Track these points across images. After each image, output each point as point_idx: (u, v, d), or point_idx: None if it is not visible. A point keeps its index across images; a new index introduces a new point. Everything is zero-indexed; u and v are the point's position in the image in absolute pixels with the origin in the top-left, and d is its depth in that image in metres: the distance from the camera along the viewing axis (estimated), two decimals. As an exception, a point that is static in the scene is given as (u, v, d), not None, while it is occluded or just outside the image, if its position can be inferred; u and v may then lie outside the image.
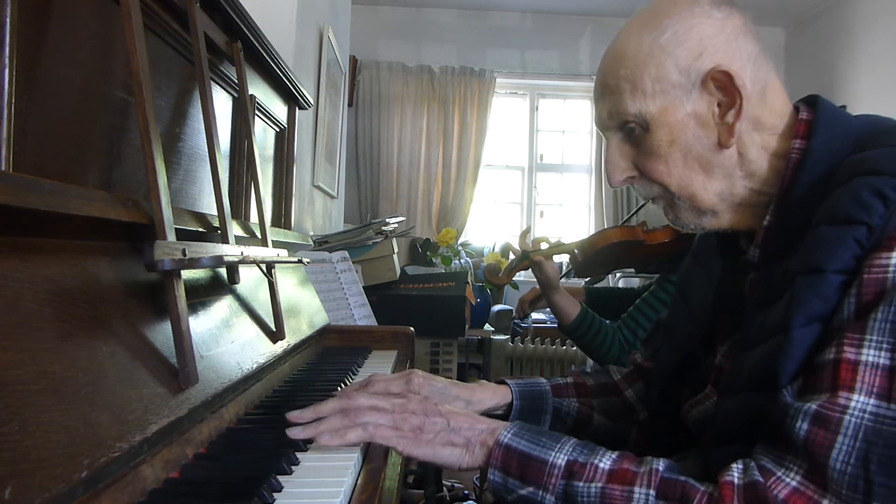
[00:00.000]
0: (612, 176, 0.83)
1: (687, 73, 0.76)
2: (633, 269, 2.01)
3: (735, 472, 0.65)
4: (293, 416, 0.78)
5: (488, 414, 1.02)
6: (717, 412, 0.77)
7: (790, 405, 0.64)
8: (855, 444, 0.61)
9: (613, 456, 0.72)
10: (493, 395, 1.02)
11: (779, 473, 0.63)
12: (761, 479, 0.63)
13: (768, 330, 0.70)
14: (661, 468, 0.69)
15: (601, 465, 0.71)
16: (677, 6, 0.78)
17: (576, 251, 1.81)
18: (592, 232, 2.18)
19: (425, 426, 0.76)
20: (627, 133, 0.81)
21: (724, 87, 0.76)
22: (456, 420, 0.77)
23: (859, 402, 0.62)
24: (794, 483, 0.62)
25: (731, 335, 0.87)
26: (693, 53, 0.76)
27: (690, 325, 0.94)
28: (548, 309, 1.87)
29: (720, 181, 0.78)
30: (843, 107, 0.80)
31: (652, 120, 0.77)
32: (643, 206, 2.03)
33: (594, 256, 1.78)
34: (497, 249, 4.36)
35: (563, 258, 2.06)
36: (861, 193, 0.66)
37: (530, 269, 1.83)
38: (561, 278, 1.87)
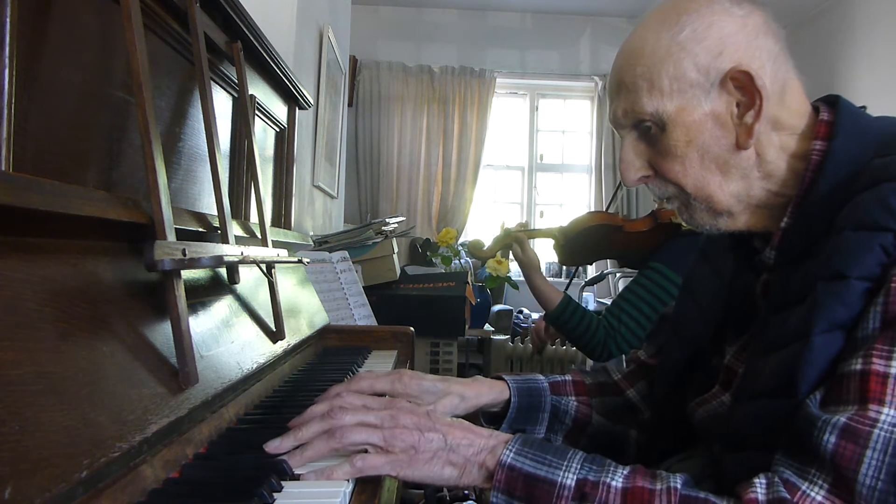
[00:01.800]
0: (627, 175, 0.81)
1: (706, 73, 0.74)
2: (616, 261, 2.05)
3: (759, 489, 0.63)
4: (271, 447, 0.71)
5: (485, 410, 1.00)
6: (731, 417, 0.75)
7: (817, 417, 0.62)
8: (885, 459, 0.59)
9: (625, 472, 0.68)
10: (490, 390, 0.99)
11: (803, 487, 0.61)
12: (788, 496, 0.61)
13: (787, 335, 0.68)
14: (678, 485, 0.65)
15: (614, 483, 0.66)
16: (697, 2, 0.76)
17: (557, 234, 1.85)
18: None
19: (420, 444, 0.70)
20: (643, 132, 0.79)
21: (743, 87, 0.74)
22: (453, 436, 0.71)
23: (889, 416, 0.60)
24: (819, 497, 0.60)
25: (740, 335, 0.85)
26: (712, 52, 0.74)
27: (699, 322, 0.93)
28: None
29: (737, 182, 0.77)
30: (864, 107, 0.79)
31: (669, 119, 0.76)
32: (618, 189, 2.06)
33: (575, 239, 1.82)
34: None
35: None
36: (889, 199, 0.64)
37: (512, 252, 1.88)
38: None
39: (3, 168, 0.57)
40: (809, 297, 0.67)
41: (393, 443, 0.70)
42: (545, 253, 4.56)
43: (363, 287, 2.03)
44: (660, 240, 1.75)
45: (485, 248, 1.97)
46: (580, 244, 1.84)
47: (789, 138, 0.76)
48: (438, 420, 0.73)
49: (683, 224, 1.70)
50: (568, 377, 1.08)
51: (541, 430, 1.02)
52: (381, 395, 0.90)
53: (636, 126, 0.79)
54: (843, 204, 0.69)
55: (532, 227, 1.92)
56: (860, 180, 0.69)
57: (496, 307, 3.73)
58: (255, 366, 0.93)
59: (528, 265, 1.84)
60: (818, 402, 0.64)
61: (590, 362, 3.26)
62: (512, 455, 0.69)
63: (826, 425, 0.61)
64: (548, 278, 1.87)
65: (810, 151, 0.75)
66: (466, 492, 2.53)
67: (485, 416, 1.03)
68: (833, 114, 0.76)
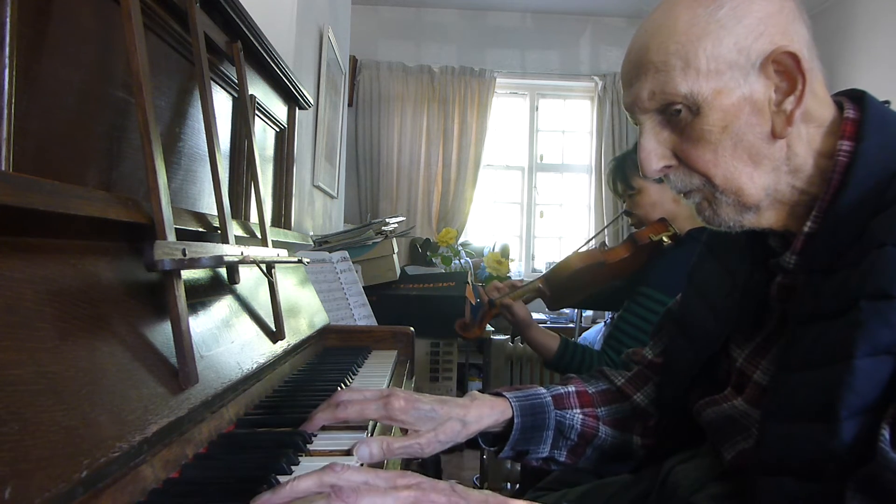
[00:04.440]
0: (648, 164, 0.75)
1: (746, 53, 0.69)
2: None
3: None
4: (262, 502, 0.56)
5: (487, 432, 0.93)
6: (762, 437, 0.71)
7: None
8: None
9: None
10: (491, 410, 0.91)
11: None
12: None
13: (823, 352, 0.65)
14: None
15: None
16: None
17: (542, 287, 1.80)
18: (591, 233, 2.18)
19: None
20: (668, 116, 0.74)
21: (784, 72, 0.70)
22: None
23: None
24: None
25: (750, 336, 0.82)
26: (754, 32, 0.69)
27: (713, 322, 0.88)
28: (549, 313, 1.87)
29: (767, 175, 0.72)
30: (887, 102, 0.75)
31: (704, 102, 0.70)
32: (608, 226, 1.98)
33: (561, 287, 1.78)
34: (497, 249, 4.36)
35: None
36: None
37: (501, 315, 1.82)
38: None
39: (3, 168, 0.57)
40: (849, 315, 0.63)
41: None
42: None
43: (363, 287, 2.03)
44: (644, 260, 1.72)
45: (474, 327, 1.89)
46: (567, 290, 1.80)
47: (816, 132, 0.72)
48: (469, 495, 0.63)
49: (664, 240, 1.65)
50: (571, 388, 1.02)
51: (544, 450, 0.97)
52: (372, 420, 0.83)
53: (662, 110, 0.74)
54: (874, 211, 0.66)
55: (515, 288, 1.84)
56: (893, 187, 0.66)
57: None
58: (255, 366, 0.93)
59: (521, 324, 1.79)
60: (890, 442, 0.59)
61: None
62: None
63: None
64: None
65: (836, 151, 0.71)
66: None
67: (483, 437, 0.96)
68: (859, 111, 0.72)
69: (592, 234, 5.08)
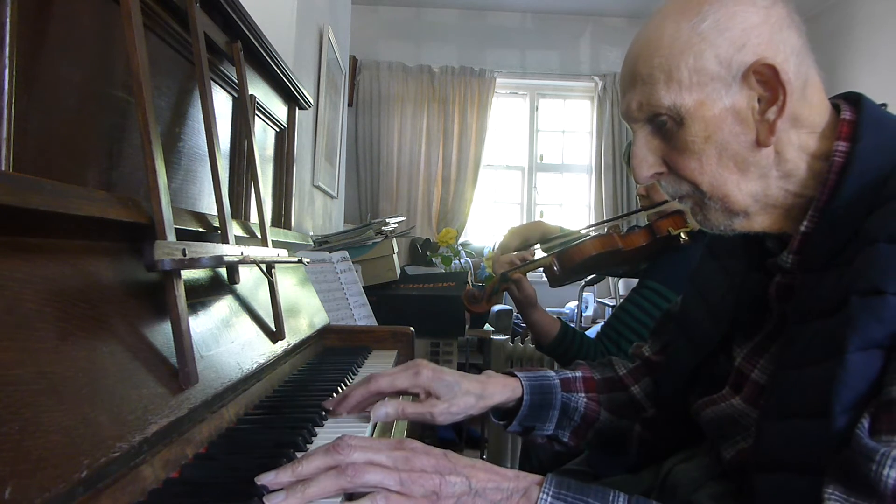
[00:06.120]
0: (639, 171, 0.78)
1: (728, 65, 0.71)
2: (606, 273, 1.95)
3: None
4: (266, 480, 0.61)
5: (499, 407, 1.00)
6: (760, 435, 0.71)
7: (874, 450, 0.58)
8: None
9: None
10: (504, 388, 0.98)
11: None
12: None
13: (817, 350, 0.65)
14: None
15: None
16: None
17: (554, 266, 1.75)
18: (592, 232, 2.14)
19: (442, 489, 0.63)
20: (657, 126, 0.76)
21: (766, 82, 0.71)
22: (477, 479, 0.65)
23: None
24: None
25: (750, 336, 0.83)
26: (735, 44, 0.71)
27: (710, 322, 0.90)
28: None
29: (755, 181, 0.74)
30: (884, 105, 0.76)
31: (687, 114, 0.73)
32: (625, 214, 1.92)
33: (572, 269, 1.74)
34: (497, 249, 4.36)
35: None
36: None
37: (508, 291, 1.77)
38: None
39: (3, 168, 0.57)
40: (842, 312, 0.63)
41: (411, 487, 0.62)
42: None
43: (363, 287, 2.03)
44: (658, 248, 1.69)
45: (482, 300, 1.82)
46: (576, 271, 1.76)
47: (809, 137, 0.73)
48: (458, 461, 0.67)
49: (682, 236, 1.62)
50: (578, 373, 1.08)
51: (549, 428, 1.03)
52: (402, 392, 0.93)
53: (650, 120, 0.76)
54: (869, 210, 0.66)
55: (525, 261, 1.77)
56: (888, 186, 0.66)
57: (496, 307, 3.73)
58: (255, 366, 0.93)
59: (526, 302, 1.75)
60: (867, 431, 0.59)
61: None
62: (550, 500, 0.66)
63: (886, 458, 0.57)
64: None
65: (832, 152, 0.72)
66: None
67: (494, 412, 1.03)
68: (855, 113, 0.73)
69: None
